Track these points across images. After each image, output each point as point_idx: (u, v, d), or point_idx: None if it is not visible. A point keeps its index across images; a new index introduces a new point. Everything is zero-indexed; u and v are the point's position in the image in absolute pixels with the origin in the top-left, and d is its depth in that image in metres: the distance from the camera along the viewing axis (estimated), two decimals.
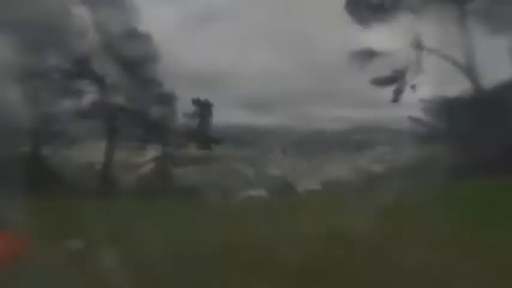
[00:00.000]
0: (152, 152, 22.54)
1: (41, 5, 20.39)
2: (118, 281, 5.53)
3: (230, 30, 23.27)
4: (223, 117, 23.53)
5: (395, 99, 21.93)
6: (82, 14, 20.71)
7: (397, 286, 5.80)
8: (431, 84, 20.54)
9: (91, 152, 21.84)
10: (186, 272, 6.10)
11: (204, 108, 23.01)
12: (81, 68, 20.98)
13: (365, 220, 8.65)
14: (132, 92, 21.39)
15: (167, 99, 21.88)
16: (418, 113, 21.56)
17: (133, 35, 21.23)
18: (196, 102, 23.03)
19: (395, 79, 21.74)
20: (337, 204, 14.25)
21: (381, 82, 21.88)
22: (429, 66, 20.93)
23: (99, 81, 21.39)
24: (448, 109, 21.17)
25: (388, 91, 21.93)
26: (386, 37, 21.15)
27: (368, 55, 21.51)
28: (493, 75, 19.83)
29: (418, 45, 21.20)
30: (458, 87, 20.69)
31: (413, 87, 21.41)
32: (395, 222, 9.08)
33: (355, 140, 25.67)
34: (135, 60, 21.22)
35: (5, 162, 17.41)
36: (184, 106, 22.84)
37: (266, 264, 6.65)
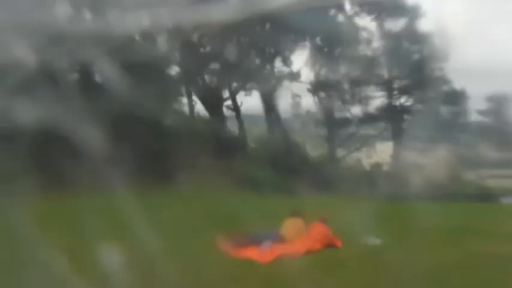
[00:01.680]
0: (442, 152, 21.82)
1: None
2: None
3: None
4: None
5: None
6: (364, 24, 21.97)
7: None
8: None
9: (379, 154, 22.80)
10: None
11: (500, 104, 20.65)
12: (369, 75, 22.10)
13: None
14: (419, 92, 21.27)
15: (457, 97, 20.81)
16: None
17: (416, 35, 21.25)
18: (491, 98, 20.88)
19: None
20: None
21: None
22: None
23: (386, 85, 22.23)
24: None
25: None
26: None
27: None
28: None
29: None
30: None
31: None
32: None
33: None
34: (420, 60, 21.19)
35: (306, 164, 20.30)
36: (476, 103, 21.36)
37: None
